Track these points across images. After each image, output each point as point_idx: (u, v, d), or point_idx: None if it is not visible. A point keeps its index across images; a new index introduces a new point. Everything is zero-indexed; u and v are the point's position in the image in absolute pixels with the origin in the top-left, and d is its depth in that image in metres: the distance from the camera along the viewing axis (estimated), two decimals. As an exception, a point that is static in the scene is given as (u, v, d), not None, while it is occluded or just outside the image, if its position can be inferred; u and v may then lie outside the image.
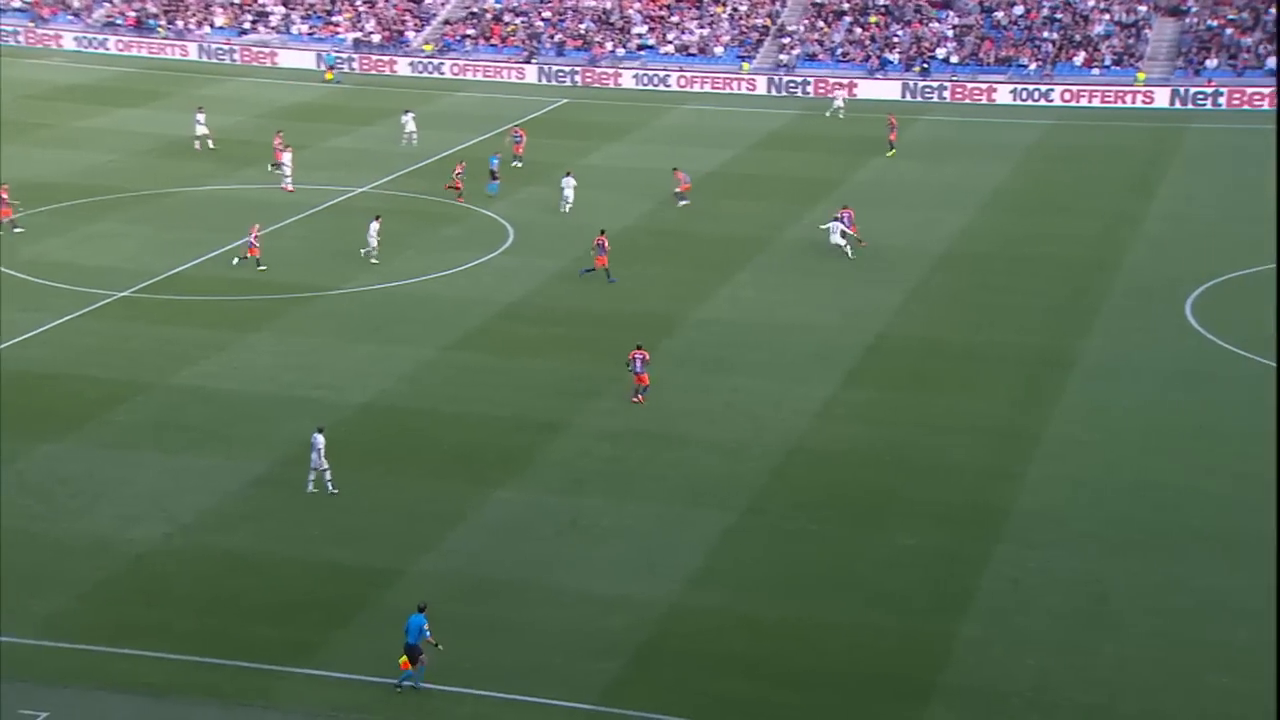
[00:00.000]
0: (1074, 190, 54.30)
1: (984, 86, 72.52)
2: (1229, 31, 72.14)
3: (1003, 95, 71.92)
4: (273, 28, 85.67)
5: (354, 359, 39.16)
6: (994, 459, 32.87)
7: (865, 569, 28.39)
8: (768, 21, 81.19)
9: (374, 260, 46.07)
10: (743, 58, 79.12)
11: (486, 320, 42.29)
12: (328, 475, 31.19)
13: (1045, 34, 75.20)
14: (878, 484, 31.89)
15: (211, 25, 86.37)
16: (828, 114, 68.52)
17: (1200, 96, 68.29)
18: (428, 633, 24.39)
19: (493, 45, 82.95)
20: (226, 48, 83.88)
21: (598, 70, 79.25)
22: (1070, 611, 26.57)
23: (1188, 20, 73.67)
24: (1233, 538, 28.89)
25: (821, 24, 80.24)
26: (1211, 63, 70.86)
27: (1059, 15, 75.72)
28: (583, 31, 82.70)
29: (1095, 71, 72.57)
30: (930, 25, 78.08)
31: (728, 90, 76.45)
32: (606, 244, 44.67)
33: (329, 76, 79.33)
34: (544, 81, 79.19)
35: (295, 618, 26.80)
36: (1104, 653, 25.29)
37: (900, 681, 24.79)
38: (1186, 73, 71.00)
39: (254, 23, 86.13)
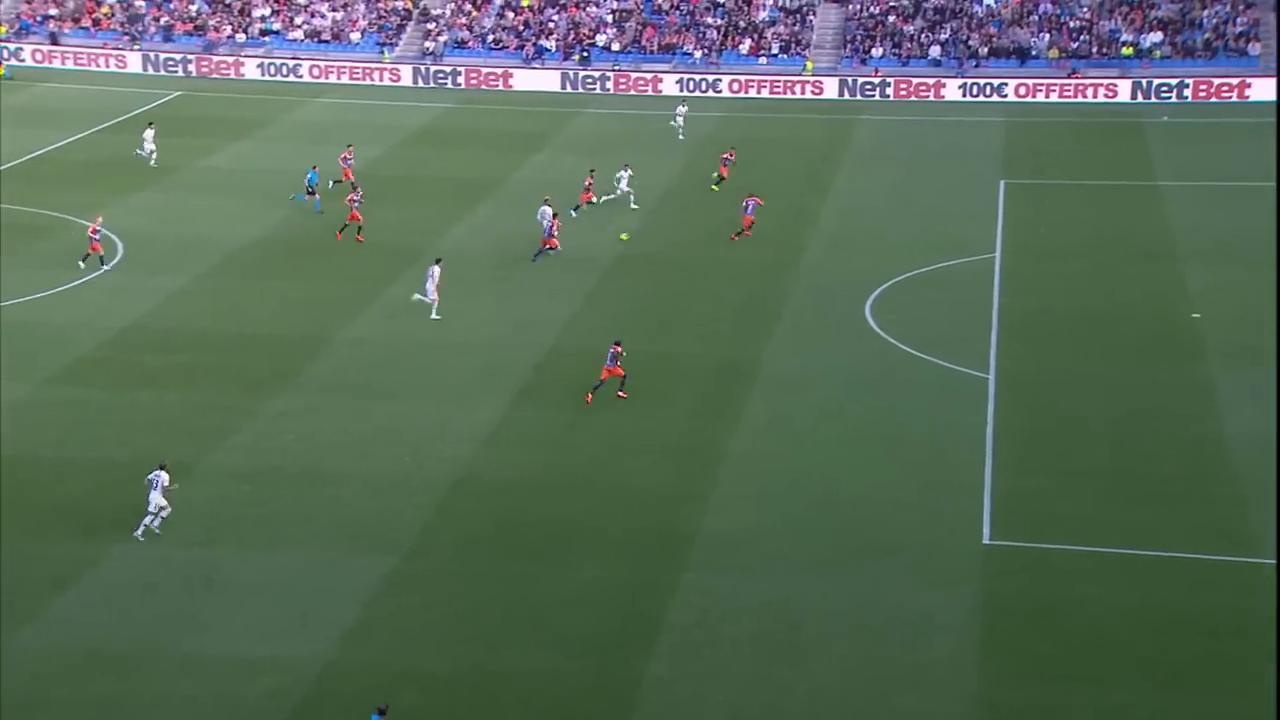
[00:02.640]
0: (748, 187, 56.61)
1: (649, 76, 74.73)
2: (891, 19, 77.20)
3: (669, 85, 74.30)
4: None
5: (-71, 401, 36.33)
6: (678, 479, 33.80)
7: (544, 608, 28.58)
8: (409, 5, 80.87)
9: (435, 316, 42.27)
10: (383, 45, 78.51)
11: (95, 348, 40.16)
12: (165, 513, 30.41)
13: (709, 20, 78.26)
14: (555, 513, 32.19)
15: None
16: (681, 137, 63.54)
17: (868, 87, 72.74)
18: None
19: (84, 28, 78.91)
20: None
21: (215, 59, 76.79)
22: (761, 640, 27.57)
23: (851, 7, 78.33)
24: (922, 550, 30.69)
25: (470, 7, 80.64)
26: (877, 51, 75.62)
27: (722, 0, 78.95)
28: (194, 14, 79.91)
29: (763, 60, 76.08)
30: (588, 10, 79.82)
31: (368, 81, 75.76)
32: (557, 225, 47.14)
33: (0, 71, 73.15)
34: (150, 71, 76.08)
35: None
36: (797, 681, 26.35)
37: (588, 730, 25.09)
38: (853, 62, 75.47)
39: None
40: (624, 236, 49.06)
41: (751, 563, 30.25)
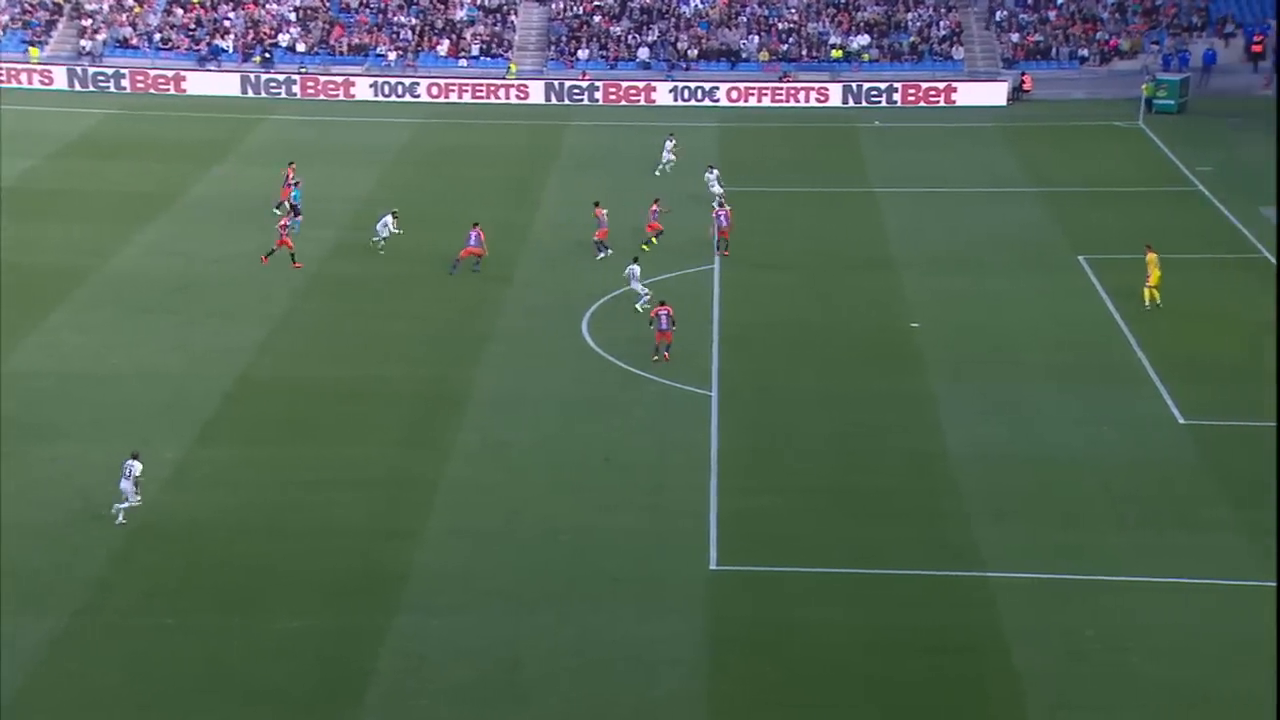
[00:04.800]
0: (452, 199, 56.50)
1: (339, 80, 73.80)
2: (597, 19, 78.38)
3: (362, 90, 73.56)
4: None
5: None
6: (385, 514, 33.46)
7: (238, 663, 27.92)
8: (60, -1, 77.78)
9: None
10: (30, 43, 75.21)
11: None
12: (126, 505, 31.89)
13: (402, 19, 77.85)
14: (250, 558, 31.45)
15: None
16: (657, 172, 59.31)
17: (576, 91, 73.60)
18: None
19: None
20: None
21: None
22: (480, 684, 27.55)
23: (554, 6, 79.16)
24: (647, 579, 31.16)
25: (132, 3, 77.99)
26: (583, 53, 76.61)
27: (417, -2, 78.74)
28: None
29: (463, 63, 76.12)
30: (268, 7, 78.30)
31: (14, 84, 72.87)
32: (482, 236, 47.99)
33: None
34: None
35: None
36: (520, 726, 26.45)
37: (293, 795, 24.56)
38: (561, 64, 76.27)
39: None
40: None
41: (468, 601, 30.18)
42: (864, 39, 76.58)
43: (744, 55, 76.25)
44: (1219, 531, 33.00)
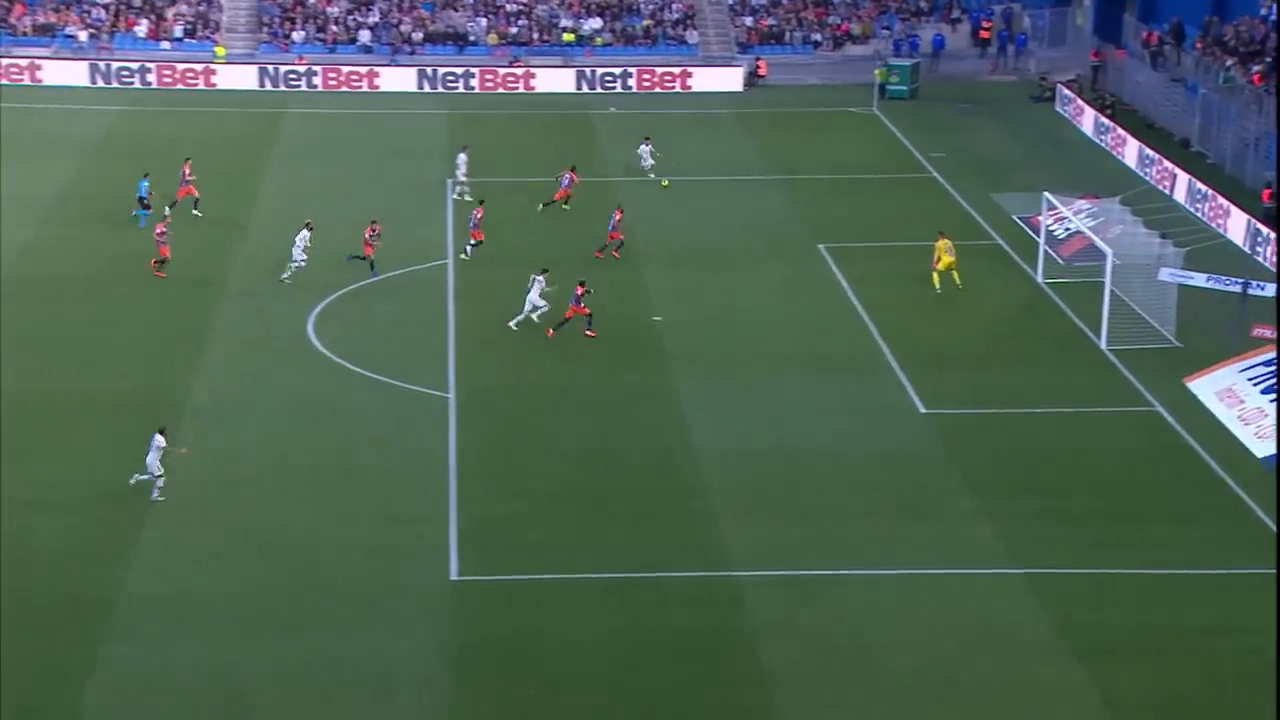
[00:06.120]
0: (160, 193, 54.68)
1: (24, 64, 70.66)
2: (313, 0, 76.92)
3: (52, 73, 70.66)
4: None
5: None
6: (91, 536, 32.32)
7: (-69, 709, 26.45)
8: None
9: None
10: None
11: None
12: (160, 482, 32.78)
13: (97, -2, 75.19)
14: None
15: None
16: (658, 179, 57.15)
17: (293, 76, 72.07)
18: None
19: None
20: None
21: None
22: (201, 715, 26.81)
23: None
24: (384, 595, 30.65)
25: None
26: (299, 35, 75.08)
27: (111, -25, 76.06)
28: None
29: (165, 45, 73.83)
30: (-53, -16, 74.68)
31: None
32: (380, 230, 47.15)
33: None
34: None
35: None
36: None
37: None
38: (275, 48, 74.58)
39: None
40: (665, 183, 55.55)
41: (186, 627, 29.28)
42: (596, 22, 76.98)
43: (472, 39, 75.83)
44: (960, 520, 34.09)
